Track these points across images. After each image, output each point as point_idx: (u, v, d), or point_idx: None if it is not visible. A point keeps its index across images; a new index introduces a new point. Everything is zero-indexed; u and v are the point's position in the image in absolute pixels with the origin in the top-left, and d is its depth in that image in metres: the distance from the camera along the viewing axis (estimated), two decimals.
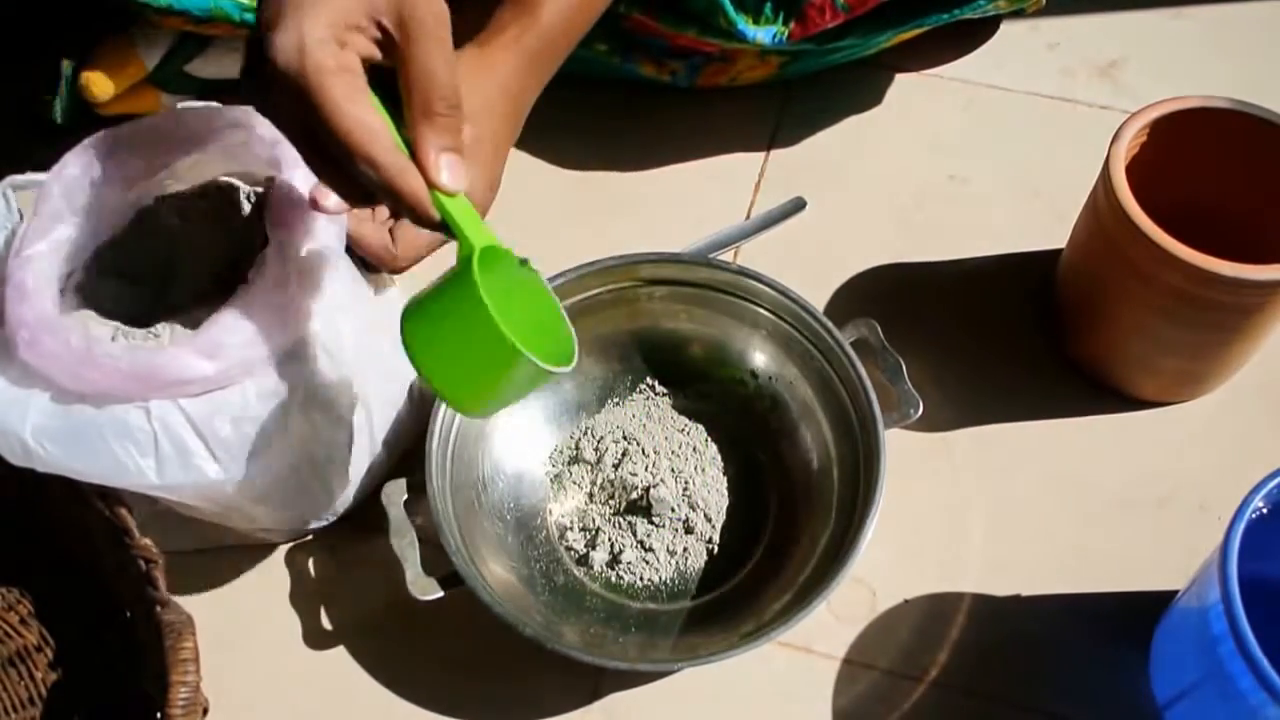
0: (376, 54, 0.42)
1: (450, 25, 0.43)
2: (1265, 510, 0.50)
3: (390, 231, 0.56)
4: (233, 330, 0.49)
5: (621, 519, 0.63)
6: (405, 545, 0.57)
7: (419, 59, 0.42)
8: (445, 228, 0.43)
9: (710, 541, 0.63)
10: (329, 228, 0.53)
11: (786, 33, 0.70)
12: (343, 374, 0.54)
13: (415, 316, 0.44)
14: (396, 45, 0.42)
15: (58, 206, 0.54)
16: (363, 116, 0.40)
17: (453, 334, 0.43)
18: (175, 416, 0.50)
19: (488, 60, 0.57)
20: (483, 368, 0.43)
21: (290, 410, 0.52)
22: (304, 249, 0.52)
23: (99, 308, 0.53)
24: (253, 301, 0.50)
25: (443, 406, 0.59)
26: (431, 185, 0.43)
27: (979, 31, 0.84)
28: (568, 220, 0.77)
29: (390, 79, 0.43)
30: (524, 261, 0.47)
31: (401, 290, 0.64)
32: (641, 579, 0.62)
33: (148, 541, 0.54)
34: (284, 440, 0.53)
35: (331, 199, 0.53)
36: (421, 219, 0.43)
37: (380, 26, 0.42)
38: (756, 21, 0.70)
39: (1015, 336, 0.70)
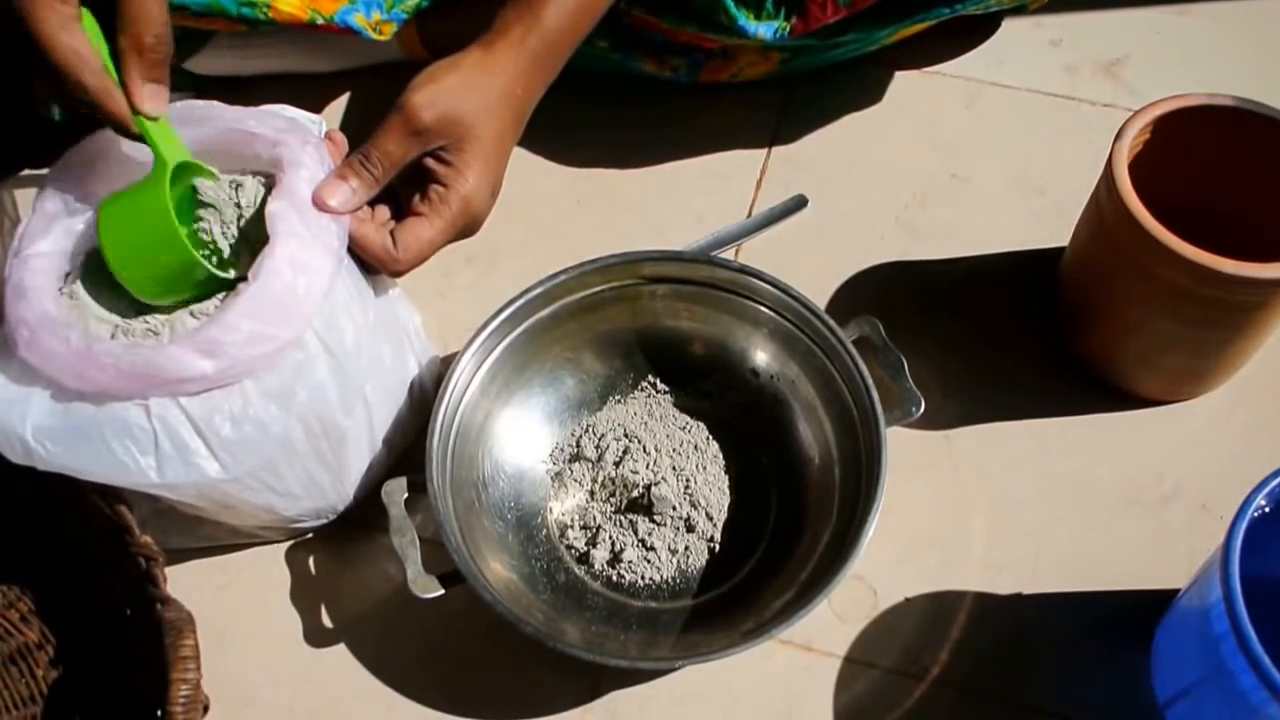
0: None
1: None
2: (1267, 509, 0.50)
3: (391, 234, 0.56)
4: (232, 329, 0.49)
5: (622, 517, 0.63)
6: (406, 543, 0.57)
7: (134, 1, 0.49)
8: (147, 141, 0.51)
9: (711, 540, 0.63)
10: (330, 227, 0.53)
11: (788, 28, 0.70)
12: (344, 373, 0.54)
13: (111, 206, 0.52)
14: None
15: (57, 205, 0.54)
16: (73, 44, 0.48)
17: (139, 227, 0.51)
18: (175, 415, 0.50)
19: (491, 62, 0.57)
20: (157, 257, 0.51)
21: (290, 409, 0.52)
22: (305, 248, 0.52)
23: (99, 306, 0.53)
24: (253, 300, 0.49)
25: (444, 405, 0.59)
26: (136, 111, 0.50)
27: (981, 28, 0.84)
28: (569, 217, 0.77)
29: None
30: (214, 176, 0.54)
31: (403, 291, 0.64)
32: (643, 577, 0.62)
33: (148, 539, 0.54)
34: (284, 440, 0.53)
35: (335, 199, 0.53)
36: (124, 134, 0.51)
37: None
38: (758, 17, 0.70)
39: (1017, 335, 0.70)
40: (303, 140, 0.54)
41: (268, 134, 0.54)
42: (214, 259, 0.53)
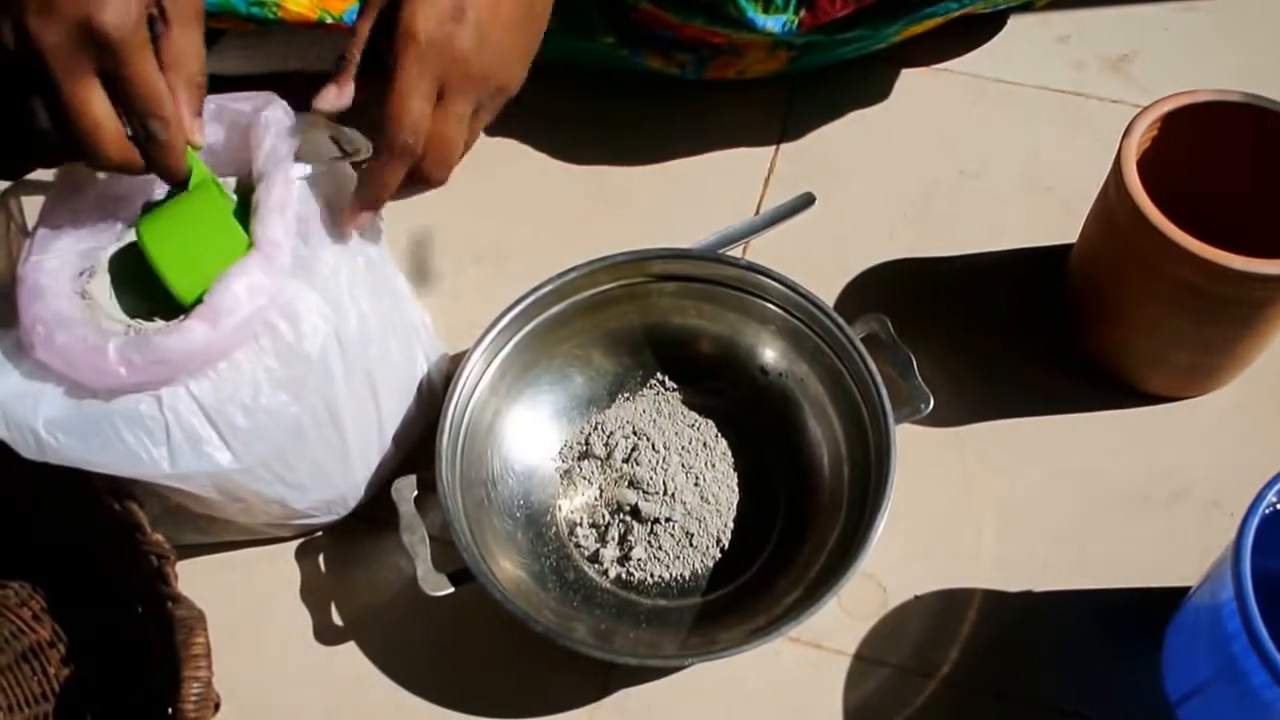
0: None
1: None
2: (1279, 506, 0.50)
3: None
4: (228, 292, 0.49)
5: (631, 515, 0.63)
6: (415, 541, 0.57)
7: (177, 37, 0.49)
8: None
9: (720, 538, 0.63)
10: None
11: (797, 22, 0.70)
12: (353, 369, 0.54)
13: (156, 223, 0.52)
14: (166, 23, 0.48)
15: (67, 208, 0.54)
16: (97, 113, 0.46)
17: (198, 236, 0.52)
18: (187, 405, 0.50)
19: None
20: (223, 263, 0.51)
21: (302, 403, 0.52)
22: (305, 242, 0.52)
23: (111, 307, 0.54)
24: (248, 264, 0.50)
25: (453, 403, 0.59)
26: (192, 144, 0.50)
27: (988, 25, 0.84)
28: (577, 215, 0.77)
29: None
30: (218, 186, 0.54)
31: (411, 288, 0.64)
32: (652, 575, 0.62)
33: (159, 537, 0.54)
34: (295, 428, 0.53)
35: (325, 102, 0.52)
36: (176, 175, 0.50)
37: (159, 5, 0.48)
38: (766, 10, 0.69)
39: (1026, 331, 0.70)
40: (280, 106, 0.55)
41: (247, 109, 0.55)
42: None
